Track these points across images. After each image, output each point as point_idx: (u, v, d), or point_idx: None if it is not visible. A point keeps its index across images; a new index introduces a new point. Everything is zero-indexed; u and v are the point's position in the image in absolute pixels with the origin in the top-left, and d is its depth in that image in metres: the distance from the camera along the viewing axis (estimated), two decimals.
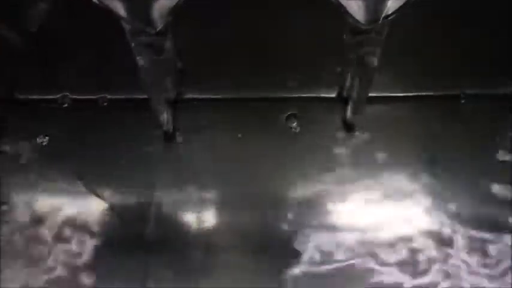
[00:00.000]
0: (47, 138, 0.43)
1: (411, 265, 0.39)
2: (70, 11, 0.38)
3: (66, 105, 0.44)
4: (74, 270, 0.39)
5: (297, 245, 0.39)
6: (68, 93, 0.44)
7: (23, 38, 0.41)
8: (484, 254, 0.39)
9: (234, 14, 0.41)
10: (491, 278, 0.39)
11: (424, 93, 0.44)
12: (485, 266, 0.39)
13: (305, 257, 0.39)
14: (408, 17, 0.33)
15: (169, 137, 0.43)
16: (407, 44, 0.43)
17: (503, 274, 0.39)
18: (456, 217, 0.40)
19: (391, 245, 0.40)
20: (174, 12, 0.30)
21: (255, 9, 0.42)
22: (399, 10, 0.31)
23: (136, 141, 0.43)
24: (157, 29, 0.30)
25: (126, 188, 0.41)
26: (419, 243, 0.40)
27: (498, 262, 0.39)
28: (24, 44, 0.41)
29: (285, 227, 0.40)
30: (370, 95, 0.40)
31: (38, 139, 0.43)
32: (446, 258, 0.39)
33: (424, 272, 0.39)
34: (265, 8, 0.42)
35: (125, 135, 0.43)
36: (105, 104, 0.44)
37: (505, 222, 0.40)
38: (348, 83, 0.41)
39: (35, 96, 0.44)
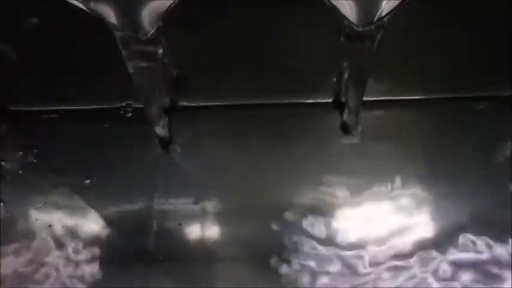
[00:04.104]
0: (43, 150, 0.43)
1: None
2: (63, 22, 0.39)
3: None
4: (73, 284, 0.39)
5: (299, 255, 0.39)
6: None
7: (16, 51, 0.41)
8: None
9: (231, 19, 0.41)
10: None
11: (423, 97, 0.44)
12: None
13: (306, 266, 0.39)
14: (405, 20, 0.33)
15: (165, 146, 0.43)
16: (405, 47, 0.43)
17: None
18: (457, 220, 0.40)
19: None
20: (164, 17, 0.30)
21: (252, 15, 0.42)
22: (393, 11, 0.31)
23: (133, 151, 0.43)
24: (148, 35, 0.30)
25: (125, 199, 0.41)
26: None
27: None
28: (17, 56, 0.41)
29: (286, 236, 0.40)
30: (366, 99, 0.40)
31: (33, 151, 0.43)
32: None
33: None
34: (262, 14, 0.42)
35: (122, 146, 0.43)
36: (103, 114, 0.44)
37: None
38: (343, 88, 0.41)
39: (29, 108, 0.44)
